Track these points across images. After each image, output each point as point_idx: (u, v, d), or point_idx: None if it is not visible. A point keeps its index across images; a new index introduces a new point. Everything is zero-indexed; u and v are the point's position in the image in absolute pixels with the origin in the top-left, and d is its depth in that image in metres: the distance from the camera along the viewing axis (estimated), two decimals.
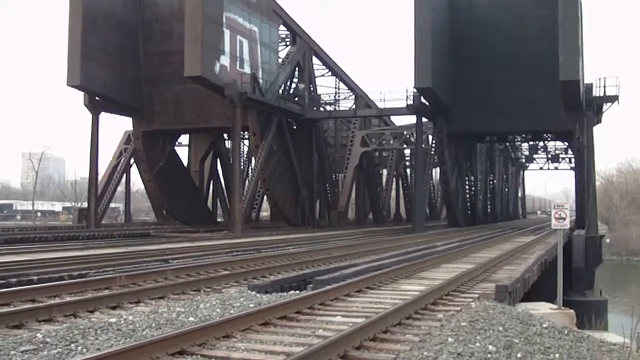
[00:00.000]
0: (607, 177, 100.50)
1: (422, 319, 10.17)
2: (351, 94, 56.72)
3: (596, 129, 42.86)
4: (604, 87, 40.69)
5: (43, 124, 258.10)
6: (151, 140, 46.59)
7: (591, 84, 40.95)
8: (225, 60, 39.39)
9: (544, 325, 10.22)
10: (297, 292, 12.73)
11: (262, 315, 9.49)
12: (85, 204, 51.14)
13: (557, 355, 8.60)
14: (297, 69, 49.87)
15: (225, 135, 55.31)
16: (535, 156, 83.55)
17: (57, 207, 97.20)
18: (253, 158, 46.86)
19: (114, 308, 11.10)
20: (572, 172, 53.25)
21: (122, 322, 9.28)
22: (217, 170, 58.58)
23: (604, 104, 41.45)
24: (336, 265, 17.15)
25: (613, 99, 40.73)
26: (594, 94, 40.83)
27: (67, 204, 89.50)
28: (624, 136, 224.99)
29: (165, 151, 48.26)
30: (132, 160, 51.27)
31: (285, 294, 12.52)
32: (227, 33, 39.64)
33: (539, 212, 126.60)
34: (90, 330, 8.66)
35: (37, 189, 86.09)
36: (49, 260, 18.38)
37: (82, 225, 44.61)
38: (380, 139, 57.05)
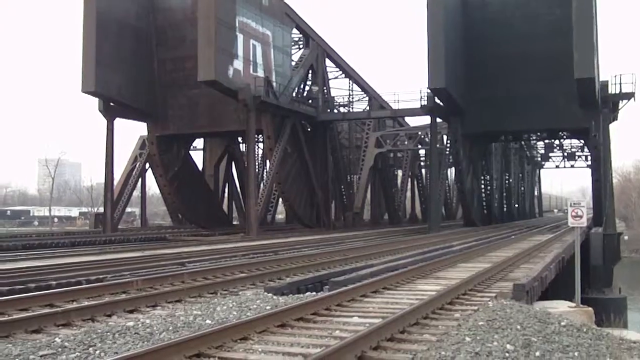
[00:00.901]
0: (624, 174, 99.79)
1: (439, 319, 10.13)
2: (365, 95, 56.70)
3: (612, 126, 42.57)
4: (620, 84, 40.37)
5: (58, 130, 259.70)
6: (166, 145, 46.76)
7: (607, 81, 40.62)
8: (238, 64, 39.49)
9: (562, 324, 10.15)
10: (314, 293, 12.72)
11: (278, 317, 9.50)
12: (101, 209, 51.45)
13: (576, 353, 8.53)
14: (310, 71, 49.89)
15: (239, 139, 55.47)
16: (551, 154, 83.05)
17: (74, 212, 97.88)
18: (268, 161, 46.95)
19: (131, 312, 11.15)
20: (589, 170, 52.91)
21: (140, 325, 9.31)
22: (232, 174, 58.79)
23: (620, 101, 41.13)
24: (352, 266, 17.14)
25: (629, 95, 40.40)
26: (609, 91, 40.49)
27: (84, 210, 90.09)
28: None
29: (180, 155, 48.42)
30: (147, 165, 51.55)
31: (301, 295, 12.52)
32: (240, 37, 39.75)
33: (555, 210, 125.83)
34: (108, 334, 8.70)
35: (53, 195, 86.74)
36: (67, 265, 18.53)
37: (98, 230, 44.94)
38: (395, 140, 56.96)
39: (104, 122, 43.53)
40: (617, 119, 43.20)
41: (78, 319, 10.19)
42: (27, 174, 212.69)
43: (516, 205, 71.80)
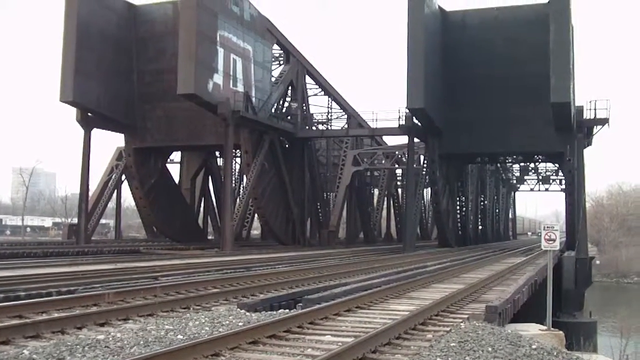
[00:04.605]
0: (597, 199, 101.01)
1: (411, 339, 10.15)
2: (343, 113, 56.88)
3: (587, 151, 43.09)
4: (595, 109, 40.90)
5: (34, 139, 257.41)
6: (143, 157, 46.53)
7: (582, 107, 41.14)
8: (218, 78, 39.49)
9: (533, 347, 10.21)
10: (287, 310, 12.69)
11: (251, 333, 9.46)
12: (75, 220, 50.92)
13: None
14: (290, 87, 50.01)
15: (217, 153, 55.34)
16: (526, 177, 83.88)
17: (47, 222, 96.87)
18: (245, 176, 46.87)
19: (102, 325, 11.03)
20: (563, 194, 53.45)
21: (110, 339, 9.22)
22: (209, 188, 58.55)
23: (595, 127, 41.65)
24: (326, 284, 17.13)
25: (603, 121, 40.94)
26: (584, 117, 41.01)
27: (57, 220, 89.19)
28: (614, 159, 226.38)
29: (156, 168, 48.19)
30: (123, 177, 51.19)
31: (274, 312, 12.48)
32: (220, 51, 39.79)
33: (529, 233, 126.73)
34: (78, 347, 8.60)
35: (27, 204, 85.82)
36: (38, 276, 18.28)
37: (71, 241, 44.40)
38: (372, 159, 57.16)
39: (80, 132, 43.25)
40: (591, 144, 43.73)
41: (47, 331, 10.06)
42: (0, 182, 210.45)
43: (490, 227, 72.25)
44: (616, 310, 45.70)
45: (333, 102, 56.54)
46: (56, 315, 11.48)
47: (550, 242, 14.68)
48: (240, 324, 10.76)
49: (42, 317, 11.18)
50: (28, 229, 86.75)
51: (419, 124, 43.12)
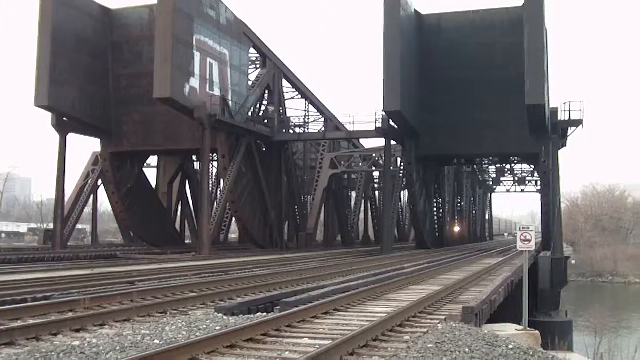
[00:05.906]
0: (572, 200, 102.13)
1: (388, 341, 10.19)
2: (320, 116, 56.97)
3: (561, 153, 43.59)
4: (569, 111, 41.39)
5: (9, 144, 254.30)
6: (119, 162, 46.22)
7: (556, 108, 41.59)
8: (195, 82, 39.36)
9: (510, 347, 10.29)
10: (265, 314, 12.67)
11: (228, 337, 9.45)
12: (51, 226, 50.46)
13: None
14: (266, 91, 49.98)
15: (194, 157, 55.11)
16: (502, 179, 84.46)
17: (23, 228, 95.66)
18: (222, 180, 46.75)
19: (78, 331, 10.94)
20: (539, 195, 53.93)
21: (86, 345, 9.15)
22: (186, 192, 58.27)
23: (569, 128, 42.14)
24: (304, 287, 17.12)
25: (578, 123, 41.41)
26: (559, 118, 41.46)
27: (33, 225, 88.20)
28: (589, 160, 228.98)
29: (133, 173, 47.89)
30: (99, 182, 50.82)
31: (252, 316, 12.45)
32: (197, 55, 39.67)
33: (505, 234, 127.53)
34: (53, 353, 8.53)
35: (2, 210, 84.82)
36: (13, 282, 18.08)
37: (47, 246, 44.03)
38: (350, 162, 57.27)
39: (56, 136, 42.89)
40: (566, 146, 44.21)
41: (22, 338, 9.94)
42: None
43: (467, 229, 72.66)
44: (591, 310, 46.16)
45: (310, 105, 56.60)
46: (31, 321, 11.35)
47: (526, 242, 14.83)
48: (217, 328, 10.73)
49: (17, 324, 11.05)
50: (3, 235, 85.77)
51: (396, 126, 43.29)
